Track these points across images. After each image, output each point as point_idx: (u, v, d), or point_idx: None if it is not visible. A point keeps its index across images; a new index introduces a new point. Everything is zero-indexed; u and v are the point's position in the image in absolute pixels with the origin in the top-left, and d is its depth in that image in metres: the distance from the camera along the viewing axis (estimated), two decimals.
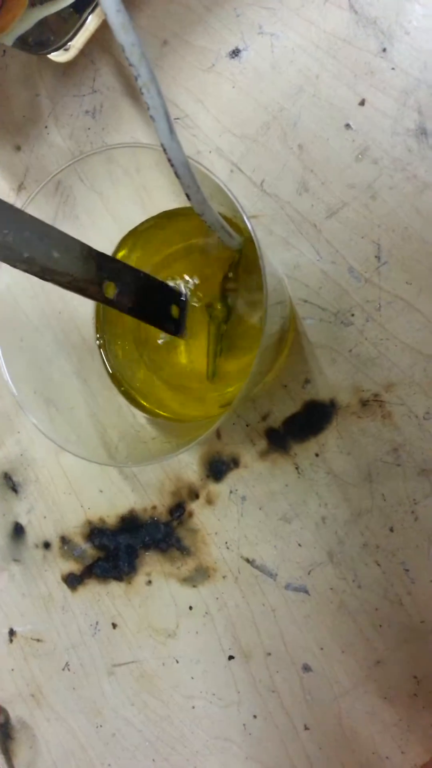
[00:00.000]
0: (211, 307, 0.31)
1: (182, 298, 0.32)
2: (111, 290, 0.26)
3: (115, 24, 0.20)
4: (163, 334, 0.33)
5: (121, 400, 0.35)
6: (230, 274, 0.31)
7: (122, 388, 0.34)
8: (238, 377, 0.32)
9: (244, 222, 0.26)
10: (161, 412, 0.33)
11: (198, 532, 0.37)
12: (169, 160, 0.23)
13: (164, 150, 0.23)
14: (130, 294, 0.27)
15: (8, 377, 0.30)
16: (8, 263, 0.21)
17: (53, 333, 0.34)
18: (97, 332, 0.35)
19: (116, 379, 0.35)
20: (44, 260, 0.22)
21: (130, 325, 0.34)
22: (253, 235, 0.25)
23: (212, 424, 0.27)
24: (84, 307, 0.35)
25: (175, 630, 0.38)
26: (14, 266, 0.21)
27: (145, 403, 0.34)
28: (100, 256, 0.25)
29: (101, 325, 0.35)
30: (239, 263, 0.31)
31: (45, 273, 0.22)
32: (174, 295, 0.31)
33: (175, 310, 0.31)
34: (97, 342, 0.35)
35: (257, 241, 0.25)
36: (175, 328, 0.31)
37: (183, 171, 0.23)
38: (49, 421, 0.31)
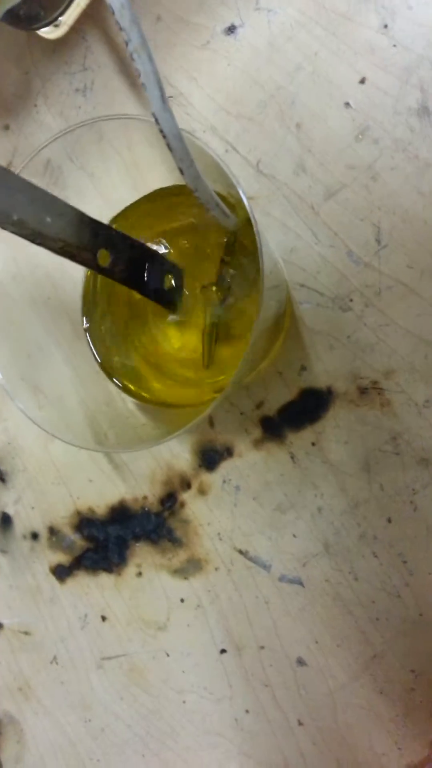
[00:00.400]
0: (206, 291, 0.30)
1: (177, 270, 0.31)
2: (105, 258, 0.26)
3: None
4: (154, 318, 0.32)
5: (111, 387, 0.34)
6: (226, 257, 0.30)
7: (110, 373, 0.33)
8: (233, 363, 0.31)
9: (241, 200, 0.25)
10: (151, 398, 0.32)
11: (190, 522, 0.36)
12: (161, 131, 0.22)
13: (156, 120, 0.22)
14: (125, 263, 0.27)
15: None
16: None
17: (41, 319, 0.33)
18: (84, 315, 0.34)
19: (104, 364, 0.33)
20: (35, 224, 0.22)
21: (119, 309, 0.33)
22: (250, 213, 0.24)
23: (203, 411, 0.26)
24: (73, 293, 0.34)
25: (165, 623, 0.37)
26: (4, 228, 0.21)
27: (134, 388, 0.33)
28: (94, 223, 0.25)
29: (89, 308, 0.34)
30: (235, 244, 0.30)
31: (36, 237, 0.22)
32: (169, 265, 0.30)
33: (168, 281, 0.30)
34: (85, 326, 0.34)
35: (255, 220, 0.24)
36: (169, 301, 0.30)
37: (175, 143, 0.22)
38: (37, 409, 0.30)
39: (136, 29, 0.20)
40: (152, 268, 0.29)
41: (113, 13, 0.20)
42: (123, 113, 0.35)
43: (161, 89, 0.21)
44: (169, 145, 0.22)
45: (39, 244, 0.22)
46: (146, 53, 0.20)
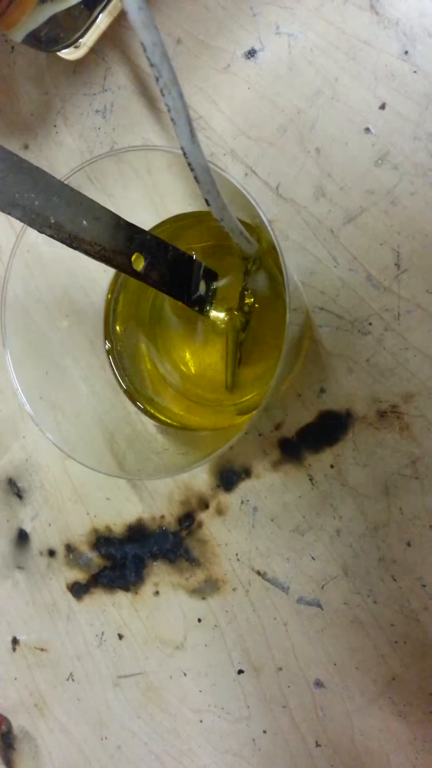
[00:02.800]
0: (228, 314, 0.31)
1: (212, 274, 0.31)
2: (140, 263, 0.26)
3: (137, 22, 0.20)
4: (175, 340, 0.32)
5: (130, 407, 0.34)
6: (247, 281, 0.30)
7: (131, 395, 0.33)
8: (253, 386, 0.31)
9: (263, 227, 0.25)
10: (172, 421, 0.33)
11: (208, 542, 0.36)
12: (189, 164, 0.22)
13: (184, 154, 0.22)
14: (159, 267, 0.27)
15: (16, 383, 0.29)
16: (35, 228, 0.21)
17: (60, 338, 0.34)
18: (106, 337, 0.34)
19: (124, 384, 0.34)
20: (72, 227, 0.22)
21: (141, 330, 0.34)
22: (275, 241, 0.24)
23: (225, 436, 0.26)
24: (91, 312, 0.35)
25: (183, 642, 0.37)
26: (41, 231, 0.21)
27: (154, 411, 0.33)
28: (129, 227, 0.25)
29: (110, 329, 0.34)
30: (256, 269, 0.30)
31: (73, 241, 0.22)
32: (204, 269, 0.30)
33: (203, 287, 0.30)
34: (106, 347, 0.34)
35: (279, 247, 0.24)
36: (202, 306, 0.30)
37: (203, 176, 0.22)
38: (55, 427, 0.30)
39: (167, 66, 0.20)
40: (187, 272, 0.29)
41: (145, 50, 0.20)
42: (144, 140, 0.36)
43: (190, 124, 0.21)
44: (196, 178, 0.22)
45: (75, 248, 0.22)
46: (176, 90, 0.21)
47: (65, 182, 0.23)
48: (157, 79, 0.21)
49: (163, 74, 0.20)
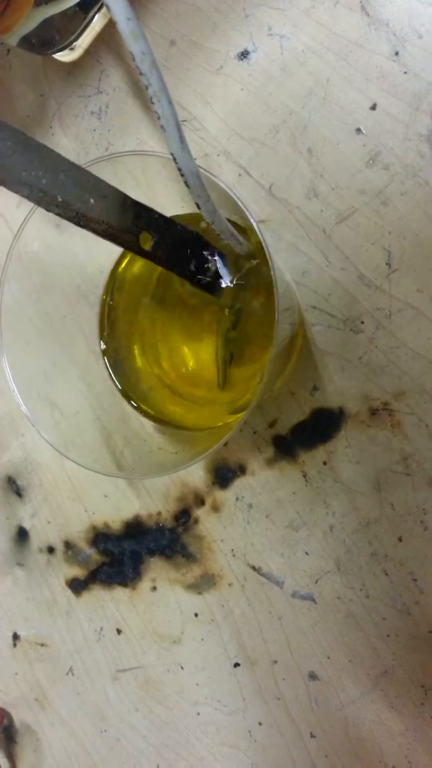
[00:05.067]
0: (220, 313, 0.31)
1: (220, 254, 0.30)
2: (147, 241, 0.26)
3: (126, 32, 0.20)
4: (170, 339, 0.33)
5: (126, 406, 0.34)
6: (239, 281, 0.31)
7: (126, 394, 0.34)
8: (246, 384, 0.31)
9: (254, 229, 0.25)
10: (167, 420, 0.33)
11: (204, 538, 0.36)
12: (179, 170, 0.23)
13: (174, 160, 0.22)
14: (166, 246, 0.27)
15: (12, 383, 0.29)
16: (42, 207, 0.21)
17: (57, 337, 0.34)
18: (101, 337, 0.34)
19: (120, 384, 0.34)
20: (79, 206, 0.22)
21: (135, 330, 0.34)
22: (263, 242, 0.25)
23: (219, 434, 0.26)
24: (88, 311, 0.35)
25: (180, 636, 0.37)
26: (48, 210, 0.21)
27: (150, 410, 0.34)
28: (137, 205, 0.25)
29: (105, 329, 0.34)
30: (248, 269, 0.30)
31: (80, 219, 0.22)
32: (212, 249, 0.30)
33: (213, 265, 0.30)
34: (101, 347, 0.35)
35: (267, 248, 0.25)
36: (211, 287, 0.30)
37: (193, 181, 0.23)
38: (54, 426, 0.31)
39: (156, 74, 0.21)
40: (195, 252, 0.29)
41: (134, 59, 0.21)
42: (138, 141, 0.36)
43: (180, 131, 0.22)
44: (186, 183, 0.23)
45: (83, 226, 0.22)
46: (166, 97, 0.21)
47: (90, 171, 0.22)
48: (147, 88, 0.21)
49: (152, 83, 0.21)
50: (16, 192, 0.20)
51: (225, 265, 0.30)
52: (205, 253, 0.29)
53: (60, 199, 0.21)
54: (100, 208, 0.23)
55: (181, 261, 0.28)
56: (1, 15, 0.33)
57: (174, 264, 0.28)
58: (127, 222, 0.24)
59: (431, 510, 0.31)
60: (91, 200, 0.22)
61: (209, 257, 0.30)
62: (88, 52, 0.38)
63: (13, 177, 0.20)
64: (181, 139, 0.22)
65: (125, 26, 0.20)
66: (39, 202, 0.21)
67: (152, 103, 0.21)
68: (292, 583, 0.34)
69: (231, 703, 0.36)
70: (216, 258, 0.30)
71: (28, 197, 0.20)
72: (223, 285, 0.30)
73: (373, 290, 0.32)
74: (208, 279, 0.30)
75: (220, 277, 0.30)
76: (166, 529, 0.37)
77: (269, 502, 0.34)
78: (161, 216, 0.26)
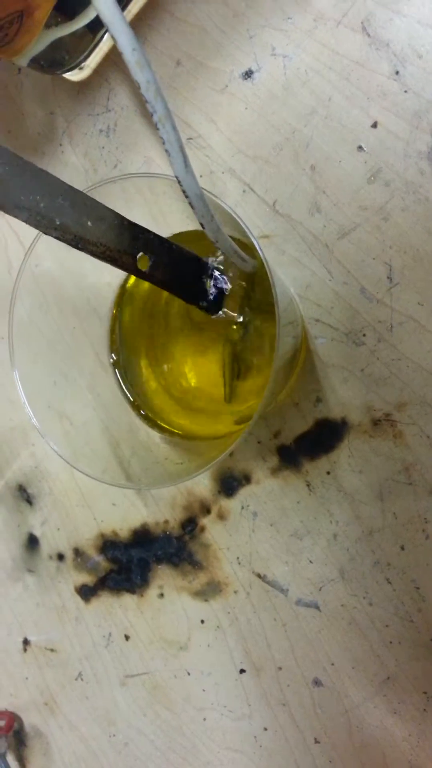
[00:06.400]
0: (227, 328, 0.32)
1: (219, 275, 0.30)
2: (144, 262, 0.26)
3: (131, 62, 0.21)
4: (177, 352, 0.34)
5: (134, 417, 0.35)
6: (244, 295, 0.31)
7: (135, 406, 0.35)
8: (251, 396, 0.32)
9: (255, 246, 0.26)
10: (173, 429, 0.34)
11: (210, 546, 0.37)
12: (184, 192, 0.23)
13: (179, 182, 0.23)
14: (164, 267, 0.27)
15: (23, 394, 0.30)
16: (41, 230, 0.21)
17: (67, 348, 0.35)
18: (111, 350, 0.35)
19: (130, 396, 0.35)
20: (77, 228, 0.22)
21: (143, 343, 0.35)
22: (263, 259, 0.26)
23: (224, 444, 0.27)
24: (97, 324, 0.36)
25: (186, 643, 0.38)
26: (47, 233, 0.21)
27: (157, 420, 0.34)
28: (134, 226, 0.25)
29: (116, 344, 0.35)
30: (254, 284, 0.31)
31: (78, 241, 0.22)
32: (209, 269, 0.30)
33: (209, 286, 0.30)
34: (111, 360, 0.36)
35: (268, 265, 0.25)
36: (209, 306, 0.30)
37: (197, 203, 0.24)
38: (63, 436, 0.32)
39: (161, 102, 0.22)
40: (193, 272, 0.29)
41: (139, 87, 0.21)
42: (146, 158, 0.37)
43: (184, 155, 0.23)
44: (191, 204, 0.24)
45: (80, 248, 0.22)
46: (170, 123, 0.22)
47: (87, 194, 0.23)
48: (152, 114, 0.22)
49: (157, 110, 0.22)
50: (14, 216, 0.20)
51: (225, 286, 0.31)
52: (203, 275, 0.30)
53: (58, 223, 0.21)
54: (98, 231, 0.23)
55: (180, 282, 0.28)
56: (13, 37, 0.34)
57: (172, 285, 0.28)
58: (125, 243, 0.24)
59: None
60: (89, 223, 0.22)
61: (207, 279, 0.30)
62: (97, 71, 0.39)
63: (11, 201, 0.20)
64: (186, 163, 0.23)
65: (131, 56, 0.21)
66: (37, 225, 0.21)
67: (157, 128, 0.22)
68: (296, 590, 0.35)
69: (237, 709, 0.37)
70: (216, 279, 0.30)
71: (27, 221, 0.20)
72: (220, 312, 0.31)
73: (375, 304, 0.32)
74: (207, 301, 0.30)
75: (220, 299, 0.31)
76: (173, 537, 0.38)
77: (274, 511, 0.35)
78: (158, 237, 0.27)
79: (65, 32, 0.36)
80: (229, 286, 0.31)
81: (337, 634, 0.34)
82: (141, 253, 0.25)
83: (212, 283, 0.31)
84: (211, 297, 0.30)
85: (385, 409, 0.32)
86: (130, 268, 0.25)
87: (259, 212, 0.35)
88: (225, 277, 0.31)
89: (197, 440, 0.33)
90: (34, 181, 0.21)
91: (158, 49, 0.37)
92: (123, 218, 0.24)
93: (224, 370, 0.32)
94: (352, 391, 0.33)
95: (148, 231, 0.26)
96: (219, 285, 0.31)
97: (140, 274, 0.26)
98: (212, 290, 0.30)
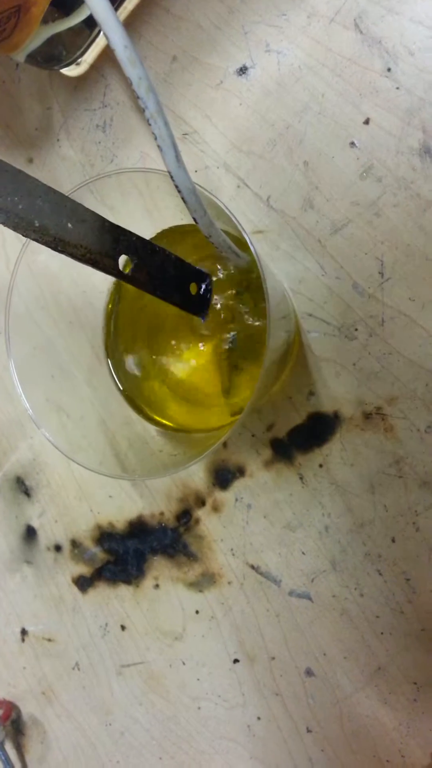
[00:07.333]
0: (222, 322, 0.32)
1: (204, 277, 0.30)
2: (127, 265, 0.25)
3: (123, 59, 0.21)
4: (173, 345, 0.34)
5: (130, 410, 0.36)
6: (239, 290, 0.32)
7: (130, 400, 0.35)
8: (246, 389, 0.33)
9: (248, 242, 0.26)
10: (169, 424, 0.34)
11: (204, 538, 0.38)
12: (177, 187, 0.24)
13: (171, 177, 0.23)
14: (147, 269, 0.26)
15: (20, 387, 0.31)
16: (19, 232, 0.21)
17: (64, 342, 0.35)
18: (105, 345, 0.36)
19: (125, 391, 0.35)
20: (57, 230, 0.22)
21: (138, 337, 0.35)
22: (255, 255, 0.26)
23: (218, 436, 0.27)
24: (93, 317, 0.36)
25: (181, 633, 0.39)
26: (26, 235, 0.21)
27: (153, 415, 0.35)
28: (115, 228, 0.25)
29: (110, 337, 0.36)
30: (248, 280, 0.31)
31: (58, 244, 0.22)
32: (193, 271, 0.30)
33: (193, 288, 0.30)
34: (106, 353, 0.36)
35: (259, 260, 0.26)
36: (195, 308, 0.30)
37: (190, 197, 0.24)
38: (61, 429, 0.32)
39: (153, 98, 0.22)
40: (177, 274, 0.29)
41: (131, 84, 0.22)
42: (142, 153, 0.37)
43: (176, 150, 0.23)
44: (184, 199, 0.24)
45: (61, 251, 0.22)
46: (162, 119, 0.22)
47: (68, 195, 0.23)
48: (144, 110, 0.22)
49: (149, 106, 0.22)
50: None
51: (210, 288, 0.30)
52: (187, 275, 0.29)
53: (37, 224, 0.21)
54: (78, 233, 0.22)
55: (163, 285, 0.28)
56: (10, 32, 0.34)
57: (156, 287, 0.27)
58: (106, 246, 0.24)
59: (423, 512, 0.32)
60: (69, 225, 0.22)
61: (191, 281, 0.30)
62: (93, 67, 0.39)
63: None
64: (177, 157, 0.23)
65: (123, 53, 0.21)
66: (15, 227, 0.20)
67: (149, 124, 0.22)
68: (289, 581, 0.35)
69: (231, 698, 0.37)
70: (200, 280, 0.30)
71: (5, 223, 0.20)
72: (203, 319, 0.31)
73: (367, 299, 0.33)
74: (193, 304, 0.30)
75: (206, 300, 0.30)
76: (169, 528, 0.39)
77: (267, 503, 0.36)
78: (141, 239, 0.26)
79: (62, 28, 0.36)
80: (212, 287, 0.31)
81: (329, 624, 0.34)
82: (123, 256, 0.25)
83: (199, 285, 0.30)
84: (197, 300, 0.30)
85: (376, 403, 0.33)
86: (112, 271, 0.25)
87: (253, 207, 0.35)
88: (209, 280, 0.31)
89: (192, 432, 0.34)
90: (12, 182, 0.20)
91: (154, 45, 0.37)
92: (104, 220, 0.24)
93: (221, 364, 0.32)
94: (344, 385, 0.33)
95: (131, 233, 0.26)
96: (204, 287, 0.31)
97: (122, 277, 0.25)
98: (198, 293, 0.30)
